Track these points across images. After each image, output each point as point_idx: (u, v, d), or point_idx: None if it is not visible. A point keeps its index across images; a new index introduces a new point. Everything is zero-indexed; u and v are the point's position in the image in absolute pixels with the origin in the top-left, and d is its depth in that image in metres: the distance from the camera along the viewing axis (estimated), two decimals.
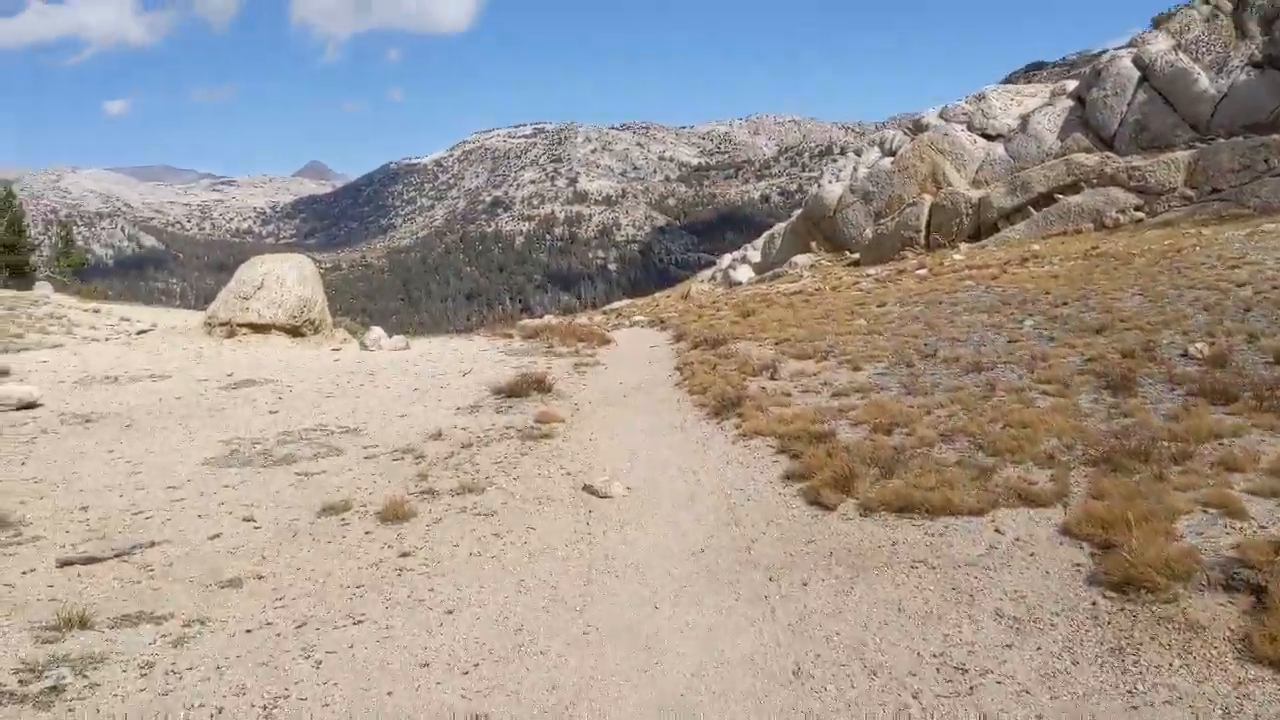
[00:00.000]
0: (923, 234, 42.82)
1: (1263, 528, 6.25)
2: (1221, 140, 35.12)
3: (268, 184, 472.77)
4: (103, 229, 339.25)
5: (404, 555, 7.62)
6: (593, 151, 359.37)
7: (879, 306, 19.94)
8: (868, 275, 39.44)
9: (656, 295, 75.13)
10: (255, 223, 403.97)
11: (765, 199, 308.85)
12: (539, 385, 13.13)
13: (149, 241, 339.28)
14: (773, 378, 12.77)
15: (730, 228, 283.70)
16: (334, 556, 7.62)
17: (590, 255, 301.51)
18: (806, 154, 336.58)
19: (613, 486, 8.93)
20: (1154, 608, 5.50)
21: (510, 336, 20.91)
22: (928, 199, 43.82)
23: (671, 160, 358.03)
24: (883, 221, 45.80)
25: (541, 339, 19.86)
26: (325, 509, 8.67)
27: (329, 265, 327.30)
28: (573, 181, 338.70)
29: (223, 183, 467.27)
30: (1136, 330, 12.90)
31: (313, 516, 8.55)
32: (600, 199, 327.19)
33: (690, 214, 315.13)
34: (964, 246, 39.95)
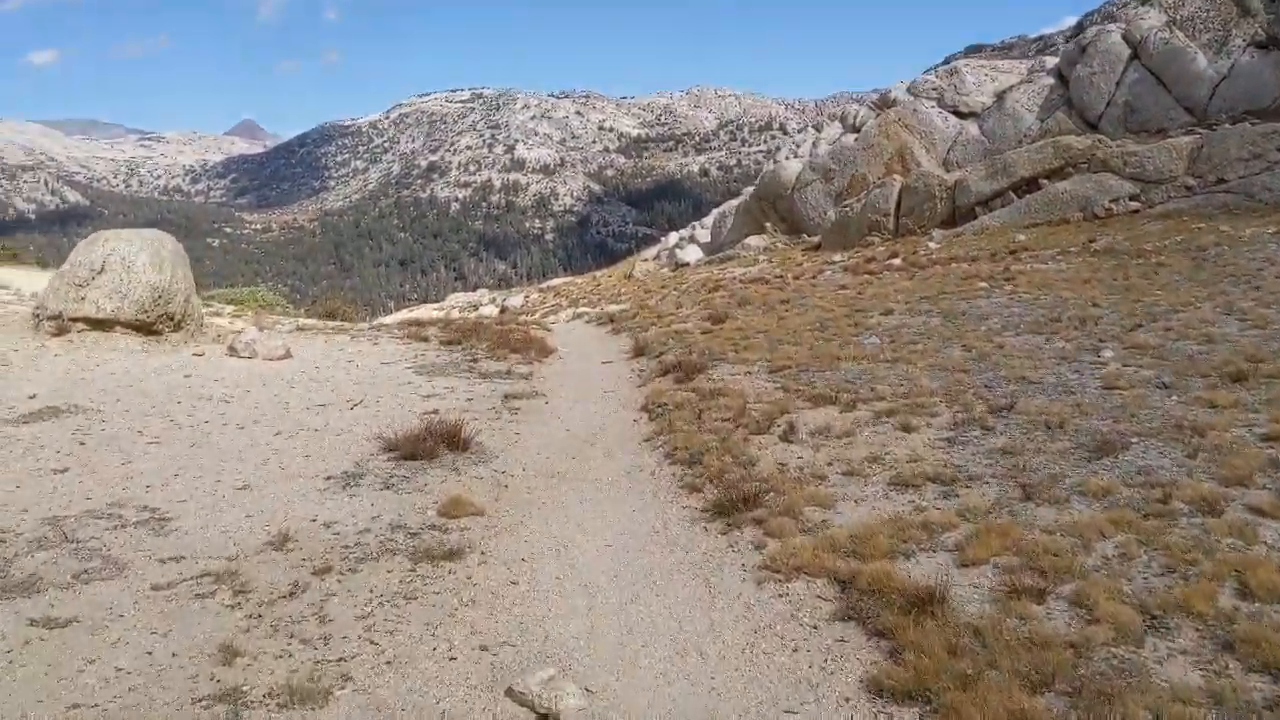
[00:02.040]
0: (891, 218, 39.26)
1: None
2: (1227, 126, 31.94)
3: (198, 141, 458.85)
4: (25, 182, 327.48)
5: None
6: (531, 119, 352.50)
7: (884, 314, 16.14)
8: (833, 263, 35.77)
9: (597, 274, 71.01)
10: (185, 180, 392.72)
11: (704, 173, 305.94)
12: (450, 440, 9.09)
13: (73, 197, 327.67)
14: (788, 438, 8.90)
15: (669, 200, 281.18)
16: None
17: (527, 224, 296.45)
18: (746, 129, 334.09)
19: (561, 693, 4.98)
20: None
21: (426, 340, 16.75)
22: (897, 180, 40.23)
23: (611, 131, 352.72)
24: (847, 203, 42.17)
25: (465, 347, 15.76)
26: None
27: (259, 227, 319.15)
28: (510, 149, 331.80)
29: (151, 138, 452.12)
30: None
31: None
32: (538, 167, 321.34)
33: (629, 186, 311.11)
34: (937, 234, 36.48)
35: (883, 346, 13.16)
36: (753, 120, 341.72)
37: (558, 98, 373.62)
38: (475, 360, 14.48)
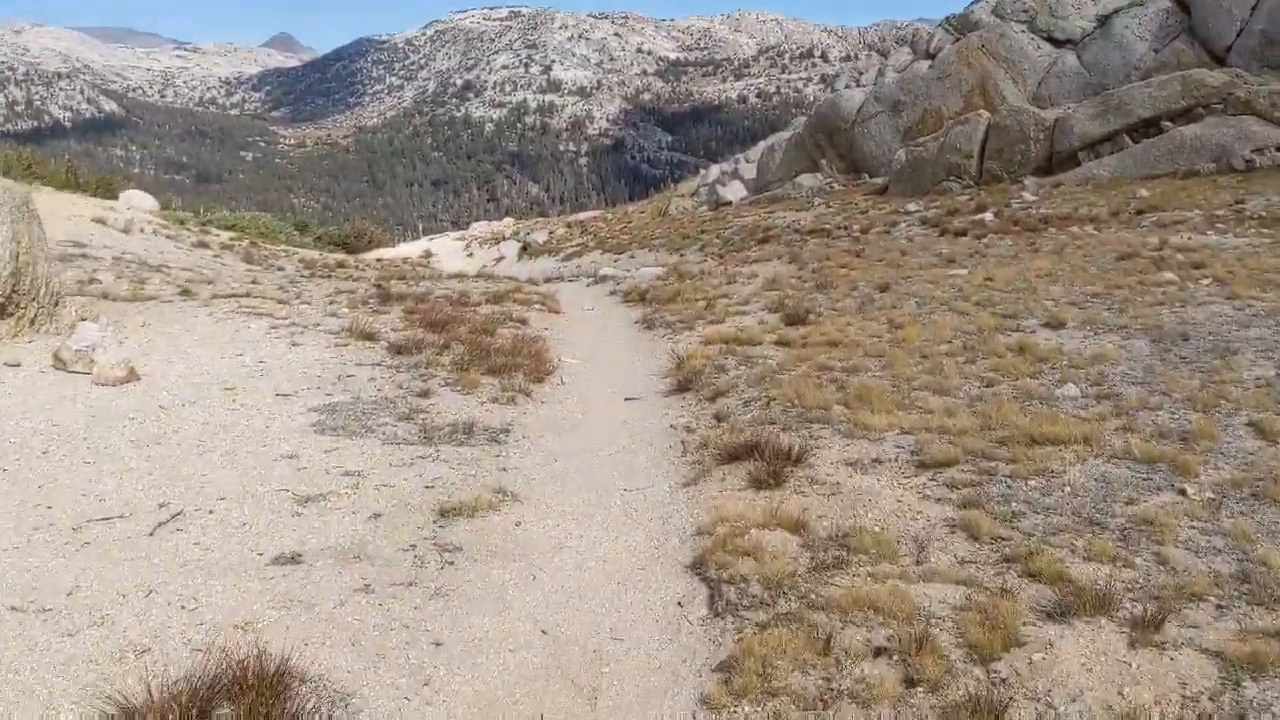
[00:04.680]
0: (975, 161, 33.45)
1: None
2: None
3: (234, 53, 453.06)
4: (61, 90, 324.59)
5: None
6: (569, 39, 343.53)
7: (1051, 327, 10.74)
8: (907, 213, 30.09)
9: (630, 208, 65.37)
10: (220, 93, 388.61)
11: (743, 100, 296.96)
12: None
13: (109, 106, 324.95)
14: None
15: (705, 126, 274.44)
16: None
17: (561, 147, 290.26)
18: (787, 55, 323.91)
19: None
20: None
21: (373, 338, 11.53)
22: (984, 116, 34.29)
23: (649, 54, 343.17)
24: (920, 141, 36.30)
25: (424, 357, 10.55)
26: None
27: (294, 141, 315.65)
28: (547, 69, 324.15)
29: (188, 49, 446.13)
30: None
31: None
32: (574, 89, 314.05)
33: (665, 110, 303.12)
34: (1031, 182, 30.70)
35: (1099, 412, 7.80)
36: (794, 47, 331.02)
37: (597, 18, 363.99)
38: (427, 393, 9.22)
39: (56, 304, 11.79)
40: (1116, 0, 38.13)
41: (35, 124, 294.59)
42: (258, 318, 13.10)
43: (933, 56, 41.76)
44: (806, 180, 44.34)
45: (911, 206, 30.70)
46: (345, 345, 11.22)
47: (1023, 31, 38.37)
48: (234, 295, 15.81)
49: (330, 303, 15.37)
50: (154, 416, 8.12)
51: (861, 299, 13.40)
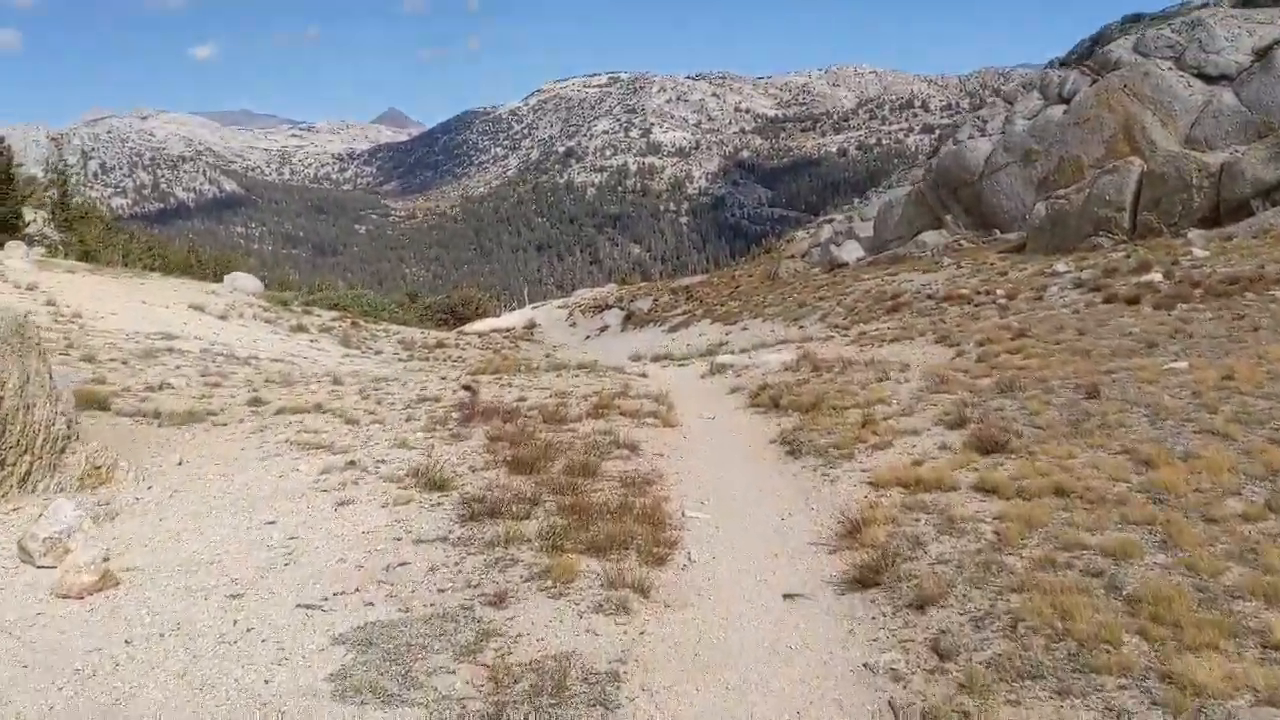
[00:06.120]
0: (1127, 214, 30.02)
1: None
2: None
3: (346, 130, 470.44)
4: (185, 172, 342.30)
5: None
6: (667, 102, 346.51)
7: None
8: (1056, 274, 26.73)
9: (736, 271, 62.77)
10: (334, 169, 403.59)
11: (842, 153, 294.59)
12: None
13: (229, 185, 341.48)
14: None
15: (805, 180, 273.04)
16: None
17: (661, 207, 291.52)
18: (886, 107, 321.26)
19: None
20: None
21: (444, 489, 8.99)
22: (1136, 163, 30.85)
23: (748, 112, 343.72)
24: (1062, 194, 32.92)
25: (509, 525, 7.87)
26: None
27: (404, 213, 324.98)
28: (646, 132, 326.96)
29: (302, 128, 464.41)
30: None
31: None
32: (673, 150, 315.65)
33: (764, 166, 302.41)
34: (1196, 235, 27.11)
35: None
36: (893, 98, 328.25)
37: (694, 79, 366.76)
38: (503, 597, 6.49)
39: (62, 451, 9.52)
40: (1275, 30, 34.45)
41: (161, 205, 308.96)
42: (313, 453, 10.69)
43: (1066, 101, 38.43)
44: (930, 238, 41.25)
45: (1060, 266, 27.37)
46: (407, 501, 8.66)
47: (1170, 69, 34.91)
48: (301, 410, 13.62)
49: (407, 419, 13.01)
50: (109, 666, 5.57)
51: (1069, 411, 10.32)
